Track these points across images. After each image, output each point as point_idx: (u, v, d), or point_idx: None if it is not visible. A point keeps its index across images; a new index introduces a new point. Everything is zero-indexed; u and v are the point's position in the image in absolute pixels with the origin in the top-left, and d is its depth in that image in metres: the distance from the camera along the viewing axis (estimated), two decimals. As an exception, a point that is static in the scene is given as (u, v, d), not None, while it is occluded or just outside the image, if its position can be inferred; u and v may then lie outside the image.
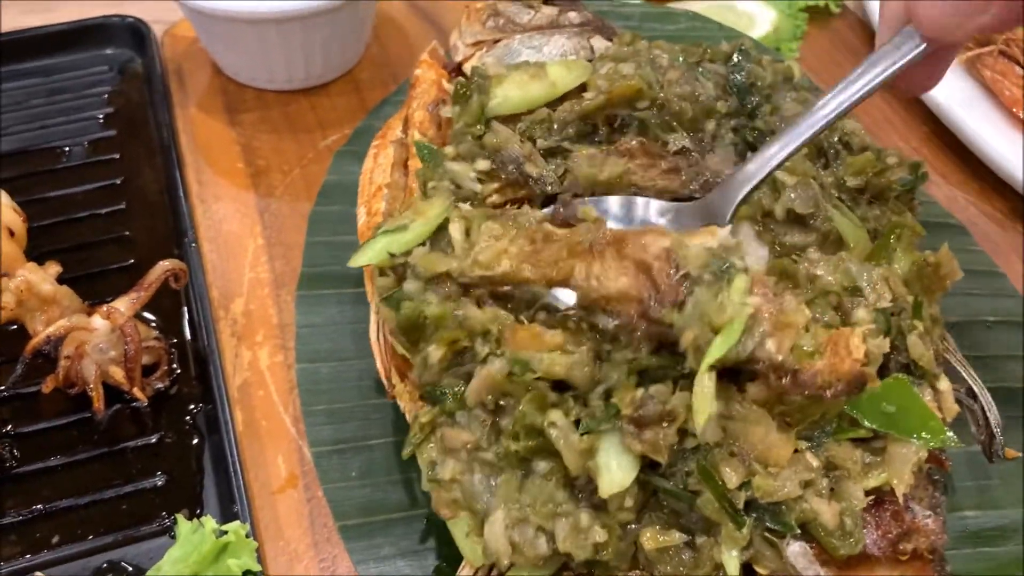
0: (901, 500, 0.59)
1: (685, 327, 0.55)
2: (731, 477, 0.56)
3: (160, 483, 0.72)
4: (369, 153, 0.82)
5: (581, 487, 0.59)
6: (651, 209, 0.72)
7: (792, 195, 0.69)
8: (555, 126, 0.74)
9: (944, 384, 0.64)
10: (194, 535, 0.65)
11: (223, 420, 0.74)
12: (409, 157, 0.79)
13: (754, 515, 0.56)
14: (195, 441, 0.75)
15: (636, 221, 0.72)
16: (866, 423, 0.59)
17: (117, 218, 0.91)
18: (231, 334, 0.83)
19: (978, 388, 0.69)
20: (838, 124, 0.76)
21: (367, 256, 0.67)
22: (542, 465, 0.59)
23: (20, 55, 1.04)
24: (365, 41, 1.08)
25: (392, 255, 0.66)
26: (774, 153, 0.66)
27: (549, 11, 0.87)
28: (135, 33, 1.07)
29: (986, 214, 1.00)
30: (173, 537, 0.67)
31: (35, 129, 0.98)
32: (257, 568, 0.64)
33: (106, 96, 1.02)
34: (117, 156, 0.96)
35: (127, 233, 0.89)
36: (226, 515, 0.70)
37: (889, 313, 0.63)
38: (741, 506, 0.56)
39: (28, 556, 0.68)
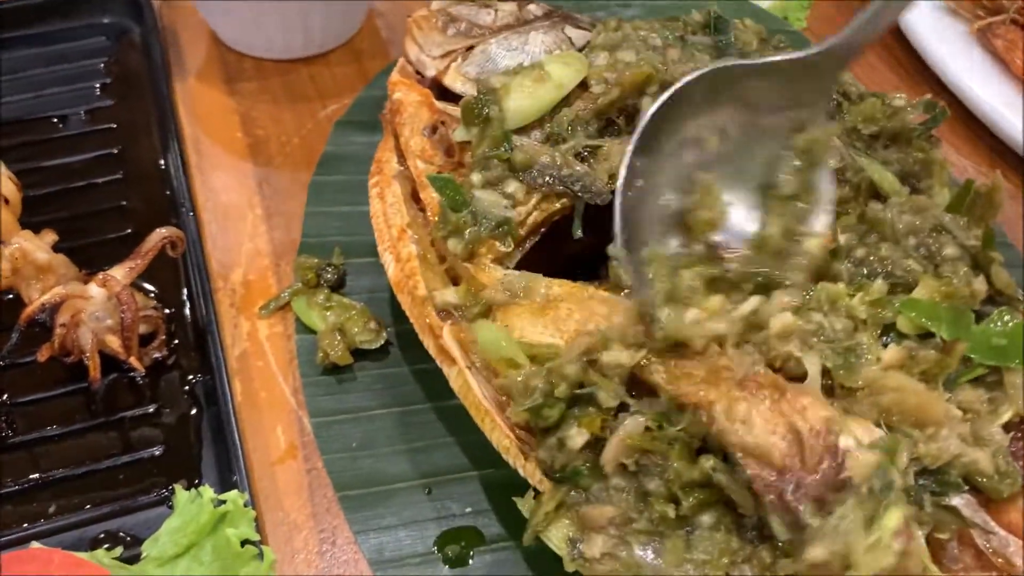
0: None
1: (816, 538, 0.51)
2: (902, 460, 0.54)
3: (158, 453, 0.71)
4: (371, 193, 0.77)
5: (752, 525, 0.56)
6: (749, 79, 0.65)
7: None
8: (579, 128, 0.71)
9: None
10: (192, 505, 0.65)
11: (221, 390, 0.73)
12: (420, 189, 0.73)
13: (920, 484, 0.56)
14: (193, 411, 0.74)
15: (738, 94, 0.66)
16: (982, 361, 0.59)
17: (114, 188, 0.89)
18: (230, 304, 0.82)
19: None
20: None
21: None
22: (706, 518, 0.56)
23: (17, 24, 1.02)
24: (365, 10, 1.07)
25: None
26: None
27: (509, 7, 0.82)
28: (132, 2, 1.04)
29: (997, 185, 0.99)
30: (171, 507, 0.66)
31: (31, 98, 0.97)
32: (255, 537, 0.63)
33: (103, 65, 1.01)
34: (114, 126, 0.95)
35: (124, 203, 0.88)
36: (224, 485, 0.69)
37: (970, 251, 0.63)
38: (912, 482, 0.55)
39: (25, 526, 0.67)
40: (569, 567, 0.58)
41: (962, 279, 0.62)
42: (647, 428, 0.57)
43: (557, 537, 0.59)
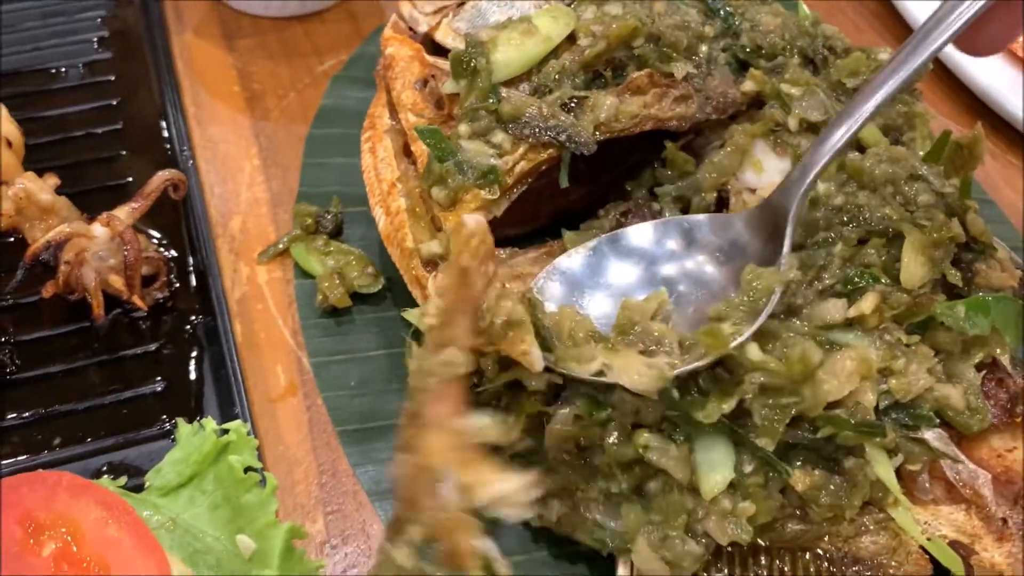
0: (1009, 366, 0.62)
1: None
2: (871, 399, 0.57)
3: (160, 389, 0.73)
4: (363, 148, 0.78)
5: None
6: (702, 231, 0.66)
7: (804, 104, 0.70)
8: (565, 80, 0.72)
9: (1003, 252, 0.66)
10: (195, 437, 0.66)
11: (223, 330, 0.75)
12: (411, 142, 0.74)
13: (890, 419, 0.58)
14: (195, 351, 0.75)
15: (691, 244, 0.67)
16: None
17: (113, 137, 0.90)
18: (229, 250, 0.83)
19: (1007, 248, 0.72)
20: (818, 31, 0.77)
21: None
22: (653, 485, 0.58)
23: (13, -21, 1.03)
24: (361, -31, 1.08)
25: None
26: (837, 139, 0.61)
27: None
28: (128, -42, 1.06)
29: (978, 146, 1.01)
30: (173, 440, 0.67)
31: (29, 51, 0.98)
32: (258, 464, 0.64)
33: (100, 20, 1.02)
34: (112, 78, 0.96)
35: (123, 152, 0.89)
36: (226, 420, 0.70)
37: (946, 199, 0.65)
38: (873, 416, 0.57)
39: (29, 456, 0.68)
40: (535, 523, 0.62)
41: (938, 224, 0.64)
42: (577, 416, 0.58)
43: None
